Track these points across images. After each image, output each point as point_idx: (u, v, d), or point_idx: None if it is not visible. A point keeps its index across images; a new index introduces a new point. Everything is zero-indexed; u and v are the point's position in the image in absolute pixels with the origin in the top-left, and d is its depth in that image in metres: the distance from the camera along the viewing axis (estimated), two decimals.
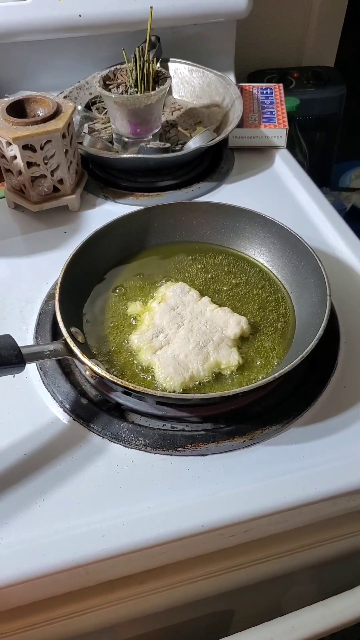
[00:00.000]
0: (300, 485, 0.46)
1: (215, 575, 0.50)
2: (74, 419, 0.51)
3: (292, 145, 1.09)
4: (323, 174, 1.24)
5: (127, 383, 0.46)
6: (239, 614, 0.65)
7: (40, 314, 0.61)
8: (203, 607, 0.59)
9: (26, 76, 0.92)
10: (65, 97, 0.87)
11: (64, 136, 0.69)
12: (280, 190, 0.79)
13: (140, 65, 0.72)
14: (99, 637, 0.51)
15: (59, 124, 0.66)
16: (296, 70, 1.21)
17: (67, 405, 0.52)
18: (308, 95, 1.15)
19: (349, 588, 0.52)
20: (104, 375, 0.47)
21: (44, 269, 0.66)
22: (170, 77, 0.76)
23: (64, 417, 0.51)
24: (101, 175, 0.80)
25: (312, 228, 0.72)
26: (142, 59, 0.72)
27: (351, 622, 0.50)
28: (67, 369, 0.55)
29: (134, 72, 0.73)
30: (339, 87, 1.18)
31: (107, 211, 0.75)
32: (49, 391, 0.53)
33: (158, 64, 0.77)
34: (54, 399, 0.53)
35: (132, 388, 0.46)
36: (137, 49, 0.72)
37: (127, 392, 0.52)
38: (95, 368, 0.48)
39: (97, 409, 0.52)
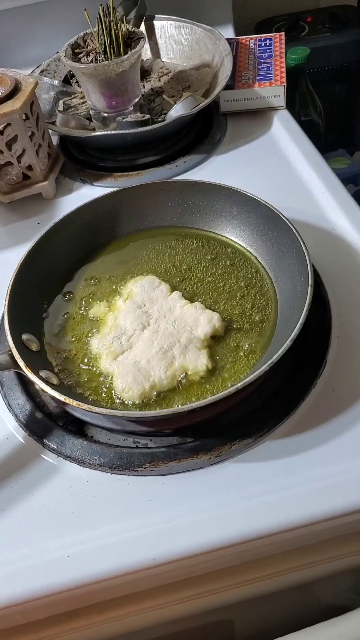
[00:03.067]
0: (268, 512, 0.40)
1: (182, 602, 0.45)
2: (28, 435, 0.47)
3: (305, 104, 0.98)
4: (343, 133, 1.11)
5: (69, 400, 0.41)
6: (240, 622, 0.61)
7: (3, 316, 0.56)
8: (192, 621, 0.55)
9: (5, 50, 0.87)
10: (42, 71, 0.80)
11: (26, 117, 0.63)
12: (277, 159, 0.70)
13: (106, 27, 0.64)
14: None
15: (15, 104, 0.60)
16: (310, 13, 1.08)
17: (23, 420, 0.48)
18: (323, 42, 1.02)
19: (339, 609, 0.47)
20: (45, 389, 0.42)
21: (12, 265, 0.62)
22: (144, 37, 0.67)
23: (18, 433, 0.48)
24: (79, 157, 0.74)
25: (310, 200, 0.64)
26: (107, 20, 0.64)
27: None
28: (26, 378, 0.51)
29: (102, 36, 0.66)
30: (359, 29, 1.04)
31: (84, 196, 0.69)
32: (5, 403, 0.49)
33: (131, 25, 0.69)
34: (10, 412, 0.49)
35: (72, 404, 0.41)
36: (99, 7, 0.63)
37: None
38: (38, 382, 0.43)
39: (52, 423, 0.47)
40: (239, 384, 0.41)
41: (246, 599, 0.50)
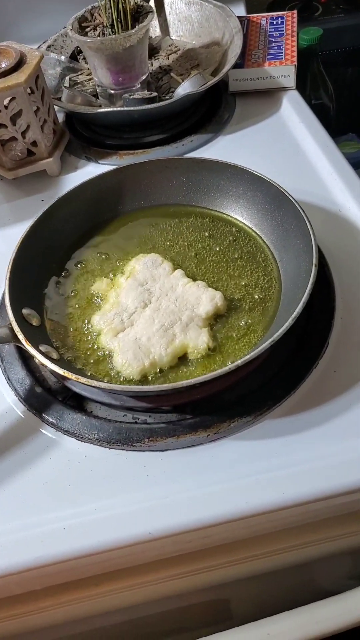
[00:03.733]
0: (266, 490, 0.40)
1: (178, 578, 0.45)
2: (27, 409, 0.47)
3: (316, 86, 0.96)
4: (354, 117, 1.10)
5: (68, 373, 0.41)
6: (236, 602, 0.61)
7: (4, 291, 0.56)
8: (189, 599, 0.55)
9: (13, 25, 0.85)
10: (49, 46, 0.79)
11: (31, 91, 0.62)
12: (285, 140, 0.69)
13: (114, 0, 0.63)
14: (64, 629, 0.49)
15: (20, 77, 0.60)
16: None
17: (22, 394, 0.48)
18: (336, 23, 1.00)
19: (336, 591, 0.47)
20: (44, 363, 0.42)
21: (15, 242, 0.61)
22: (152, 11, 0.66)
23: (18, 407, 0.48)
24: (85, 134, 0.73)
25: (317, 182, 0.63)
26: None
27: (333, 632, 0.44)
28: (26, 353, 0.51)
29: (109, 9, 0.65)
30: None
31: (89, 174, 0.67)
32: (4, 378, 0.49)
33: None
34: (10, 387, 0.49)
35: (71, 378, 0.41)
36: None
37: None
38: (38, 356, 0.43)
39: (52, 398, 0.47)
40: (238, 361, 0.40)
41: (242, 577, 0.50)
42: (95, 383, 0.41)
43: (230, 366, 0.40)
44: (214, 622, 0.62)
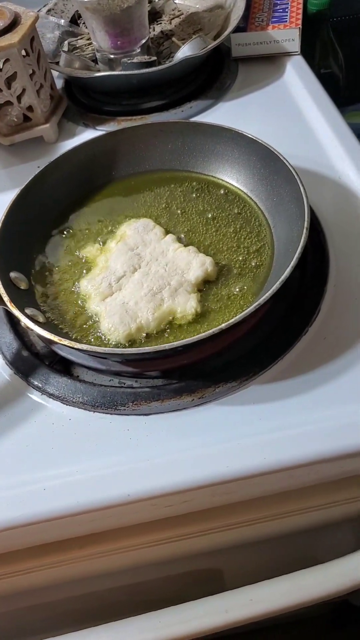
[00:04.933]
0: (247, 454, 0.39)
1: (166, 543, 0.45)
2: (14, 373, 0.47)
3: (325, 55, 0.93)
4: None
5: (50, 335, 0.41)
6: (229, 573, 0.61)
7: None
8: (180, 566, 0.55)
9: None
10: (49, 10, 0.77)
11: (26, 54, 0.61)
12: (288, 106, 0.67)
13: None
14: (49, 592, 0.49)
15: (14, 38, 0.58)
16: None
17: (9, 358, 0.48)
18: None
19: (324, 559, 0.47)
20: (29, 325, 0.42)
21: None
22: None
23: (4, 371, 0.47)
24: (84, 101, 0.72)
25: (318, 149, 0.61)
26: None
27: (316, 600, 0.44)
28: (15, 317, 0.50)
29: None
30: None
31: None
32: None
33: None
34: None
35: (53, 339, 0.41)
36: None
37: None
38: (22, 318, 0.43)
39: (38, 362, 0.47)
40: (222, 325, 0.40)
41: (231, 545, 0.50)
42: (77, 345, 0.41)
43: (214, 329, 0.39)
44: (208, 593, 0.62)
